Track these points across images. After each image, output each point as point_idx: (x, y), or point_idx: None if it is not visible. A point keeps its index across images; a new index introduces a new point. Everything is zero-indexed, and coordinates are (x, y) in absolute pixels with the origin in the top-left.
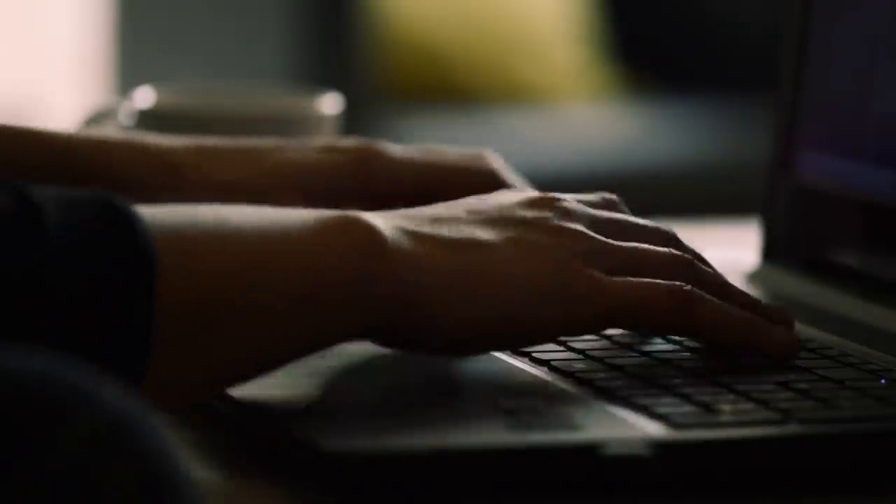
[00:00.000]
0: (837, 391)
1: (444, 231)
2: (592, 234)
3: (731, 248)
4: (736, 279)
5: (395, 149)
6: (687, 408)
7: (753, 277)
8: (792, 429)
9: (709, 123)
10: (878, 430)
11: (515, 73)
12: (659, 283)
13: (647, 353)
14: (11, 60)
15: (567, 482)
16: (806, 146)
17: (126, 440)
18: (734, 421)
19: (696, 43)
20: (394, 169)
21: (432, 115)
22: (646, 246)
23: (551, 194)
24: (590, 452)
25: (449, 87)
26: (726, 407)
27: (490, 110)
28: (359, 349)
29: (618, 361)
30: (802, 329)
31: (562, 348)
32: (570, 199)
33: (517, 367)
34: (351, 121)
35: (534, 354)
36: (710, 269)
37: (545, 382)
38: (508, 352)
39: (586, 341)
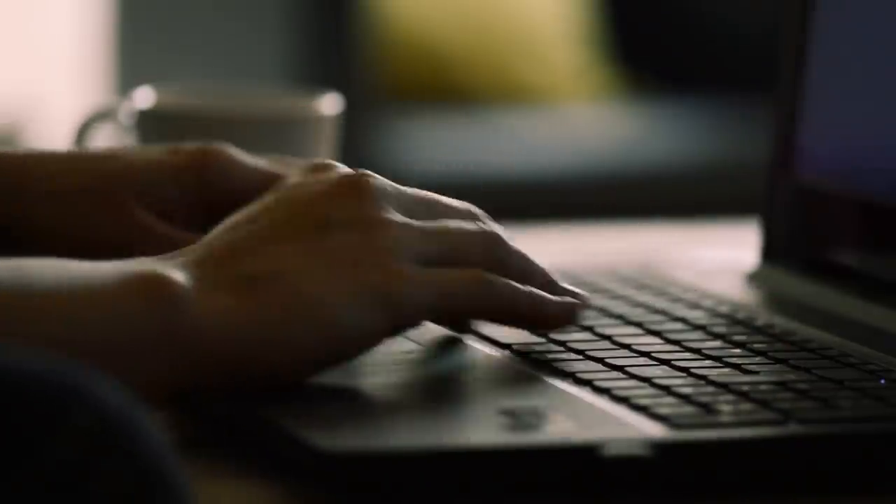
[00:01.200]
0: (837, 391)
1: (245, 266)
2: (402, 220)
3: (731, 248)
4: (736, 279)
5: (239, 154)
6: (687, 408)
7: (753, 277)
8: (792, 429)
9: (709, 123)
10: (878, 430)
11: (515, 73)
12: (465, 271)
13: (647, 354)
14: (11, 60)
15: (567, 482)
16: (806, 146)
17: (121, 439)
18: (734, 421)
19: (696, 43)
20: (234, 172)
21: (432, 116)
22: (457, 227)
23: (359, 175)
24: (590, 452)
25: (449, 87)
26: (726, 407)
27: (490, 110)
28: None
29: (618, 362)
30: (802, 329)
31: (561, 348)
32: (377, 179)
33: (517, 368)
34: (351, 121)
35: (533, 355)
36: (514, 246)
37: (545, 383)
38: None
39: (586, 342)
